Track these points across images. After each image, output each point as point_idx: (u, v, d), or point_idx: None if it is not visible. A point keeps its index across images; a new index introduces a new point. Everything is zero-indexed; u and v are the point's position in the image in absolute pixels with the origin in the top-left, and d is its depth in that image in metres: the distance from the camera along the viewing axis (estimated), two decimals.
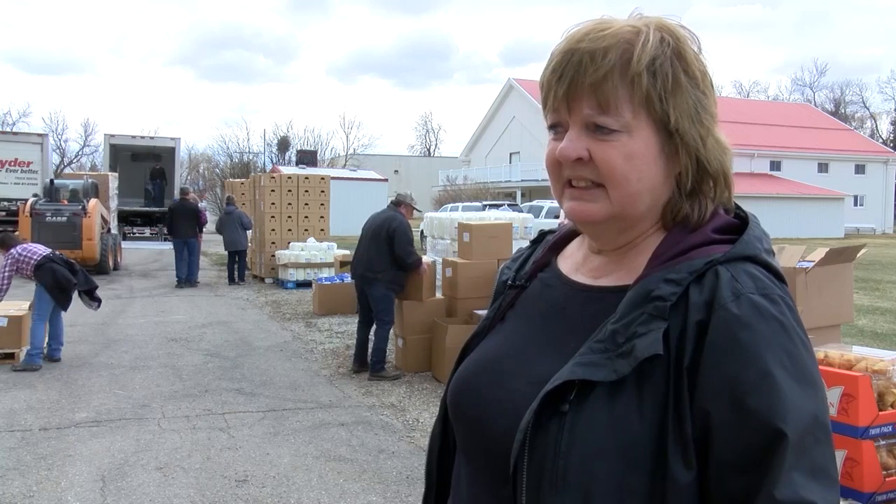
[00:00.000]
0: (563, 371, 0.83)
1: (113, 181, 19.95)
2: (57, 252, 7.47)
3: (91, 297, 7.46)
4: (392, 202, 7.20)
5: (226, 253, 14.78)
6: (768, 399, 0.76)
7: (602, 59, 0.84)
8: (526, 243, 1.15)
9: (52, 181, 16.52)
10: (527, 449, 0.81)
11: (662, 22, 0.88)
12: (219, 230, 14.42)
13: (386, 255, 6.78)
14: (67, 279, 7.14)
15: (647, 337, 0.80)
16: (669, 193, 0.90)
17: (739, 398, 0.77)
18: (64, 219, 14.81)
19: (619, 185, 0.86)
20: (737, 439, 0.77)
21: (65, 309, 7.31)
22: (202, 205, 20.62)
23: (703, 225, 0.89)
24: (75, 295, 7.36)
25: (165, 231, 16.70)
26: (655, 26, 0.86)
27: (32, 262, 7.12)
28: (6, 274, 7.08)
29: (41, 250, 7.33)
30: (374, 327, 6.97)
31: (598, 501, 0.79)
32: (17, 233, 14.83)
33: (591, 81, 0.84)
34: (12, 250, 7.22)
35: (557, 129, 0.90)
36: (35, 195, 17.05)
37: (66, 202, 15.40)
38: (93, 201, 15.82)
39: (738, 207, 0.94)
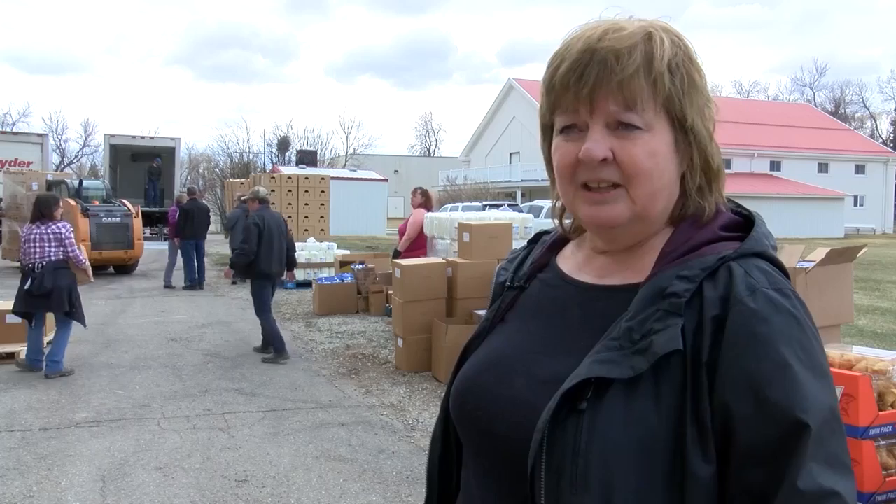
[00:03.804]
0: (579, 369, 0.83)
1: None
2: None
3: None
4: (265, 199, 7.94)
5: (227, 253, 14.78)
6: (789, 391, 0.78)
7: (628, 58, 0.85)
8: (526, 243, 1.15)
9: (80, 181, 16.62)
10: (545, 448, 0.81)
11: (664, 25, 0.90)
12: (230, 228, 14.44)
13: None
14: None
15: (665, 333, 0.81)
16: (678, 192, 0.91)
17: (760, 391, 0.78)
18: (117, 220, 14.99)
19: (642, 184, 0.86)
20: (758, 431, 0.78)
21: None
22: None
23: (710, 222, 0.91)
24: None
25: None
26: (661, 29, 0.89)
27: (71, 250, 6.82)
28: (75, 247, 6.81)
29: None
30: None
31: (619, 498, 0.79)
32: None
33: (619, 79, 0.85)
34: (62, 224, 6.85)
35: (572, 130, 0.89)
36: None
37: (97, 203, 15.45)
38: (126, 202, 16.01)
39: (738, 205, 0.95)
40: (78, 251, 6.80)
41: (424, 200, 9.01)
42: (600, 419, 0.80)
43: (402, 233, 9.07)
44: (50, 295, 6.69)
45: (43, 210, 6.89)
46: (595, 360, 0.83)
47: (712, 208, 0.91)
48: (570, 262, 1.01)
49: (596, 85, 0.85)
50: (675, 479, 0.79)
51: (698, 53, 0.92)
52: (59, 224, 6.81)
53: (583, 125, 0.88)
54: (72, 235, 6.81)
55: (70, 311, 6.84)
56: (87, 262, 6.98)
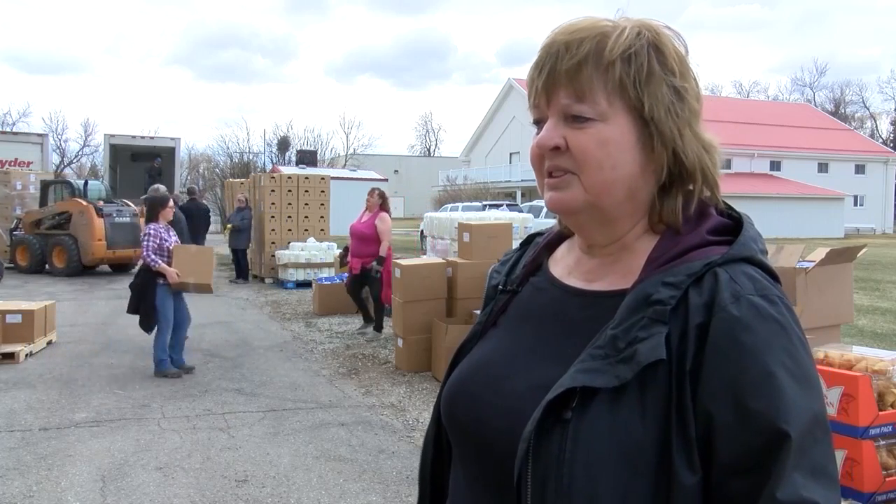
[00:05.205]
0: (564, 378, 0.82)
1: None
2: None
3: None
4: (187, 194, 8.52)
5: (226, 253, 14.83)
6: (771, 400, 0.77)
7: (577, 48, 0.86)
8: None
9: (86, 182, 16.66)
10: (530, 457, 0.81)
11: (644, 21, 0.89)
12: (239, 229, 14.50)
13: None
14: None
15: (649, 342, 0.80)
16: (650, 189, 0.90)
17: (742, 400, 0.77)
18: (127, 219, 15.23)
19: (591, 172, 0.86)
20: (739, 441, 0.77)
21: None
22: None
23: (698, 227, 0.89)
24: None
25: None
26: (635, 23, 0.88)
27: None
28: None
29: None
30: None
31: None
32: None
33: (567, 69, 0.86)
34: (147, 227, 6.80)
35: (540, 124, 0.91)
36: None
37: (101, 203, 15.50)
38: (129, 202, 16.08)
39: (729, 208, 0.94)
40: (148, 254, 6.68)
41: (383, 202, 8.81)
42: (585, 428, 0.80)
43: (354, 234, 8.77)
44: (132, 293, 6.90)
45: (147, 212, 7.07)
46: (579, 369, 0.82)
47: (675, 205, 0.89)
48: (560, 265, 1.00)
49: (549, 77, 0.87)
50: (660, 487, 0.78)
51: (687, 52, 0.89)
52: (147, 226, 6.87)
53: (545, 118, 0.90)
54: (149, 239, 6.72)
55: (139, 313, 6.84)
56: (160, 263, 6.68)
